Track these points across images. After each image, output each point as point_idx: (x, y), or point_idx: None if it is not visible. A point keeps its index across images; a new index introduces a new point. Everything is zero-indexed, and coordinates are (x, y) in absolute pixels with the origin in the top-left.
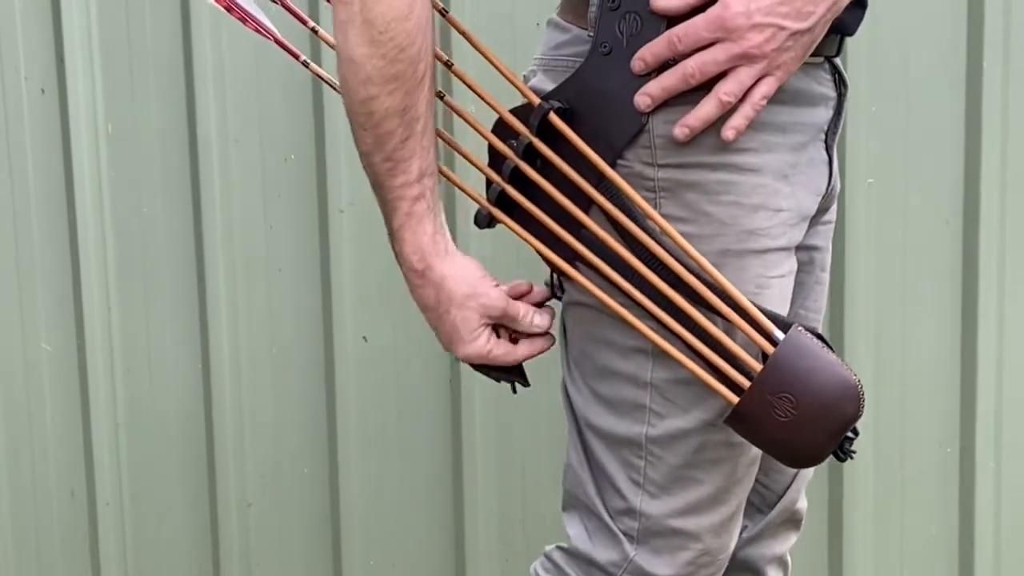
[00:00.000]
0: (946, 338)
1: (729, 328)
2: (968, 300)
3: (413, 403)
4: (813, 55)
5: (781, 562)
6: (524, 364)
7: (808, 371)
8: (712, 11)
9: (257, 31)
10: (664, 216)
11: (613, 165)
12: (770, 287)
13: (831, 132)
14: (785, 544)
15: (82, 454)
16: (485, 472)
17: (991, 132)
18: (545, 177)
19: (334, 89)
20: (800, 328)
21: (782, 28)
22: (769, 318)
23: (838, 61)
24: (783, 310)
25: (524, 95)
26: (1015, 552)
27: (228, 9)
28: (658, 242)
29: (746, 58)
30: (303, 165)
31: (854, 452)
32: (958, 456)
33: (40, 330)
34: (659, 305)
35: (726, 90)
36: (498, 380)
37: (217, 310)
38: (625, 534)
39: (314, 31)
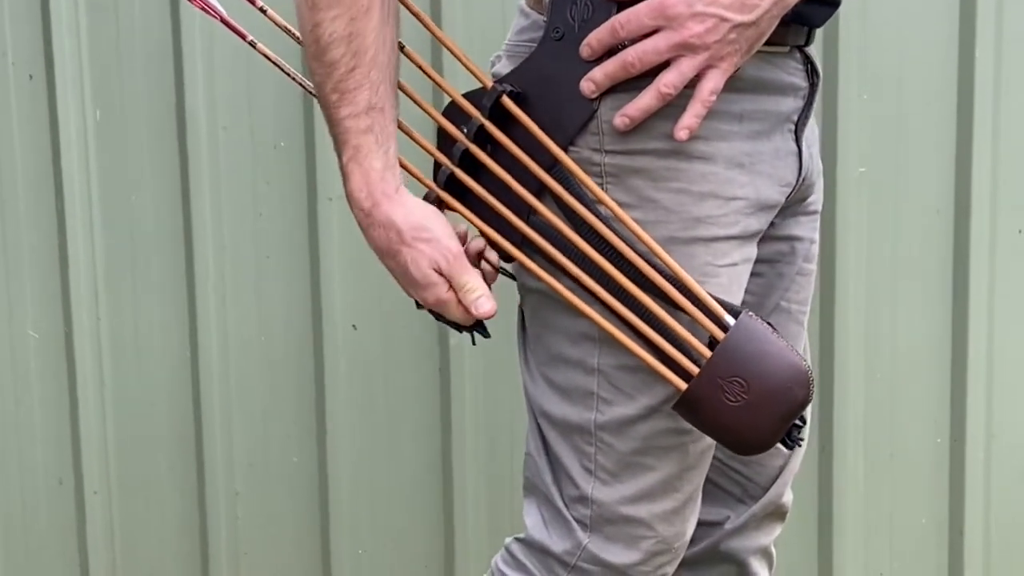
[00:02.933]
0: (936, 328)
1: (677, 314)
2: (958, 289)
3: (402, 391)
4: (778, 44)
5: (765, 553)
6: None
7: (759, 355)
8: (646, 4)
9: (204, 9)
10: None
11: (565, 151)
12: (718, 275)
13: (801, 122)
14: (769, 536)
15: (69, 442)
16: (475, 461)
17: (982, 121)
18: (496, 161)
19: (283, 71)
20: (751, 314)
21: (724, 19)
22: (720, 303)
23: (811, 51)
24: (734, 299)
25: (477, 78)
26: (1004, 542)
27: None
28: (609, 227)
29: (687, 48)
30: (292, 152)
31: (801, 440)
32: (948, 446)
33: (27, 317)
34: (608, 291)
35: (666, 81)
36: (459, 331)
37: (206, 298)
38: (579, 522)
39: (263, 11)
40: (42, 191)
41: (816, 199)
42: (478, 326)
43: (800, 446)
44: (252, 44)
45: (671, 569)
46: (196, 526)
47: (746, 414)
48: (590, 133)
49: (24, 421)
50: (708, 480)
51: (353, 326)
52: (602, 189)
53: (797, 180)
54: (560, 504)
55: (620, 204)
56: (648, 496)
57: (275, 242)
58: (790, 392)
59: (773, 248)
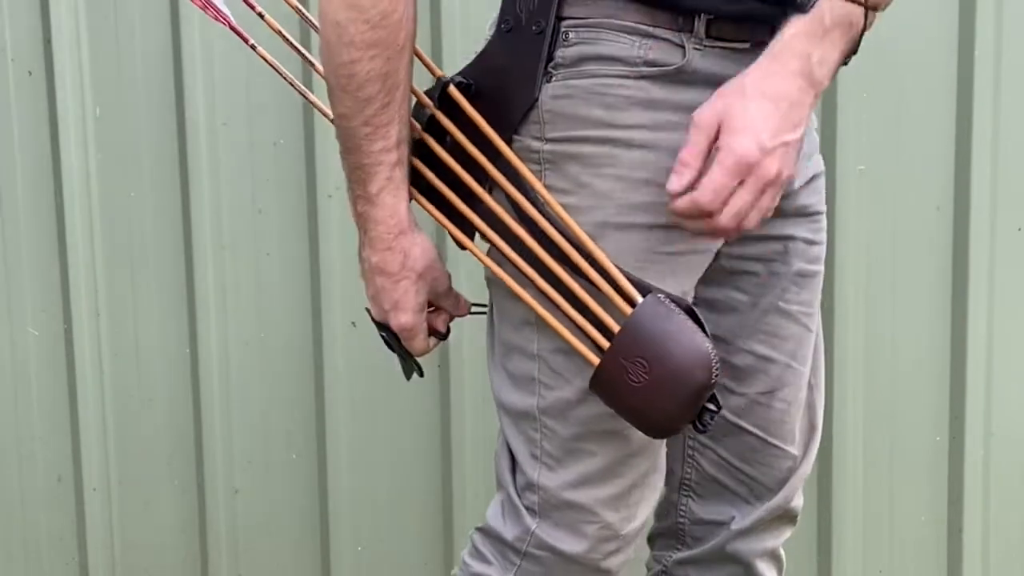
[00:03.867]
0: (936, 325)
1: (600, 295)
2: (958, 287)
3: (402, 388)
4: (740, 40)
5: (773, 556)
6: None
7: (662, 337)
8: (727, 157)
9: (217, 19)
10: (549, 187)
11: (510, 140)
12: (660, 262)
13: None
14: (778, 539)
15: (69, 439)
16: (474, 459)
17: (982, 119)
18: (450, 151)
19: (279, 75)
20: (659, 295)
21: (785, 143)
22: (637, 286)
23: None
24: (683, 287)
25: (428, 68)
26: (1003, 540)
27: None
28: (542, 213)
29: (769, 184)
30: (292, 149)
31: (710, 424)
32: (947, 445)
33: (27, 314)
34: (541, 275)
35: (750, 221)
36: (402, 360)
37: (205, 295)
38: (528, 509)
39: (260, 15)
40: (41, 188)
41: (814, 202)
42: (417, 366)
43: (708, 430)
44: (253, 47)
45: (624, 557)
46: (195, 523)
47: (649, 395)
48: (532, 122)
49: (24, 418)
50: (714, 480)
51: (352, 323)
52: (541, 175)
53: None
54: (513, 492)
55: (557, 189)
56: (589, 481)
57: (274, 239)
58: (691, 374)
59: (766, 247)
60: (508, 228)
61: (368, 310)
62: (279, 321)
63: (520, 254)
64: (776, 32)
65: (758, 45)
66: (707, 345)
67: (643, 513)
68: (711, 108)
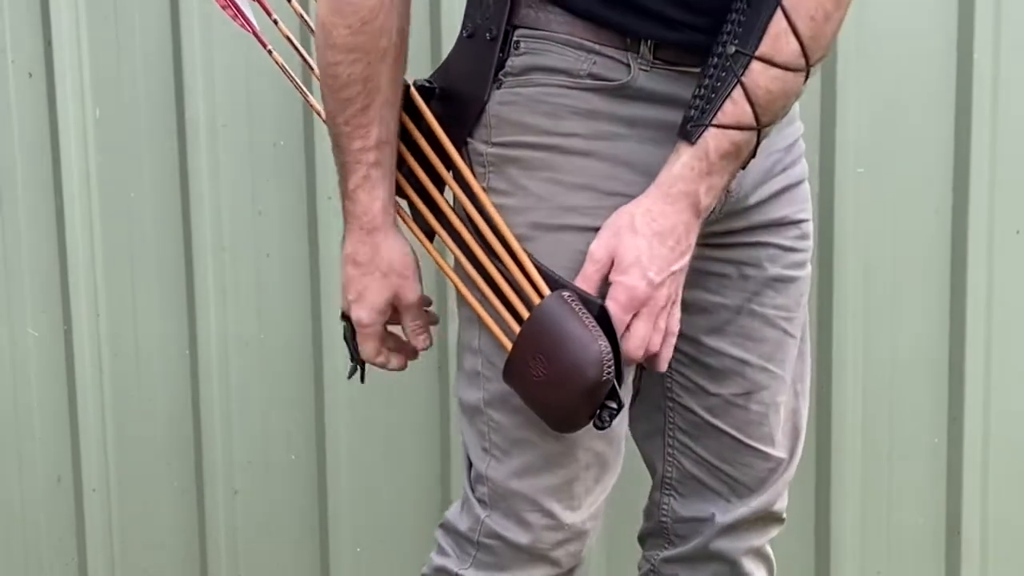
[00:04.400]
0: (934, 328)
1: (521, 290)
2: (956, 289)
3: (402, 390)
4: (689, 64)
5: (759, 554)
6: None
7: (558, 334)
8: (620, 294)
9: (244, 27)
10: (491, 189)
11: (465, 142)
12: None
13: None
14: (762, 537)
15: (68, 440)
16: None
17: (980, 122)
18: (410, 150)
19: (290, 80)
20: (563, 294)
21: (672, 272)
22: (553, 284)
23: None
24: None
25: None
26: (1001, 542)
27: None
28: (480, 212)
29: (662, 312)
30: (292, 151)
31: (607, 422)
32: (945, 447)
33: (27, 315)
34: (477, 270)
35: (652, 345)
36: (351, 359)
37: (205, 296)
38: (480, 500)
39: (276, 22)
40: (41, 189)
41: (791, 212)
42: (359, 369)
43: (607, 427)
44: (270, 52)
45: (574, 549)
46: (195, 524)
47: (548, 390)
48: (482, 125)
49: (23, 419)
50: (694, 478)
51: None
52: (485, 176)
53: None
54: (467, 485)
55: (498, 191)
56: (531, 471)
57: (274, 240)
58: (582, 371)
59: (738, 252)
60: (452, 225)
61: (341, 319)
62: (279, 322)
63: (461, 250)
64: None
65: None
66: (599, 344)
67: (589, 505)
68: (604, 245)
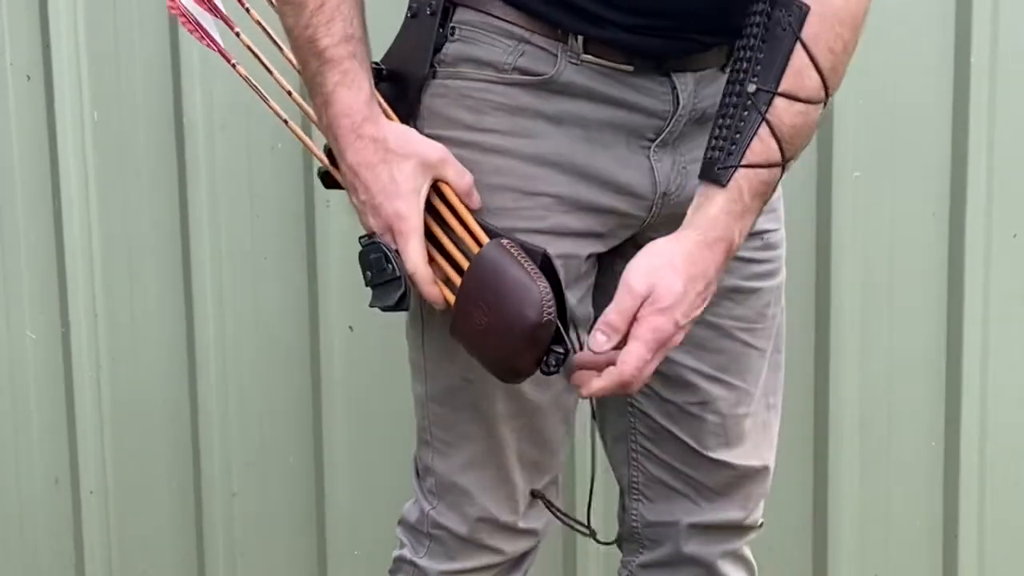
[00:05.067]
0: (931, 331)
1: (462, 243)
2: (954, 292)
3: (399, 393)
4: (624, 62)
5: (736, 557)
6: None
7: (497, 279)
8: (650, 335)
9: (209, 46)
10: None
11: (416, 127)
12: None
13: (667, 142)
14: (739, 540)
15: (66, 442)
16: None
17: (977, 125)
18: None
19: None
20: (502, 241)
21: (693, 320)
22: (493, 233)
23: (681, 78)
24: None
25: None
26: (998, 544)
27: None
28: None
29: (673, 347)
30: (290, 154)
31: (556, 367)
32: (943, 449)
33: (25, 318)
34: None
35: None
36: (368, 283)
37: (203, 299)
38: (428, 492)
39: (237, 35)
40: (40, 192)
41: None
42: (402, 300)
43: (555, 372)
44: (234, 66)
45: (514, 542)
46: (192, 526)
47: (491, 337)
48: (420, 116)
49: (21, 421)
50: (659, 481)
51: (350, 327)
52: None
53: (655, 195)
54: (415, 477)
55: None
56: (472, 466)
57: (272, 243)
58: (521, 313)
59: None
60: None
61: (360, 242)
62: (276, 325)
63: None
64: (680, 61)
65: (649, 72)
66: (538, 285)
67: (520, 506)
68: (644, 278)
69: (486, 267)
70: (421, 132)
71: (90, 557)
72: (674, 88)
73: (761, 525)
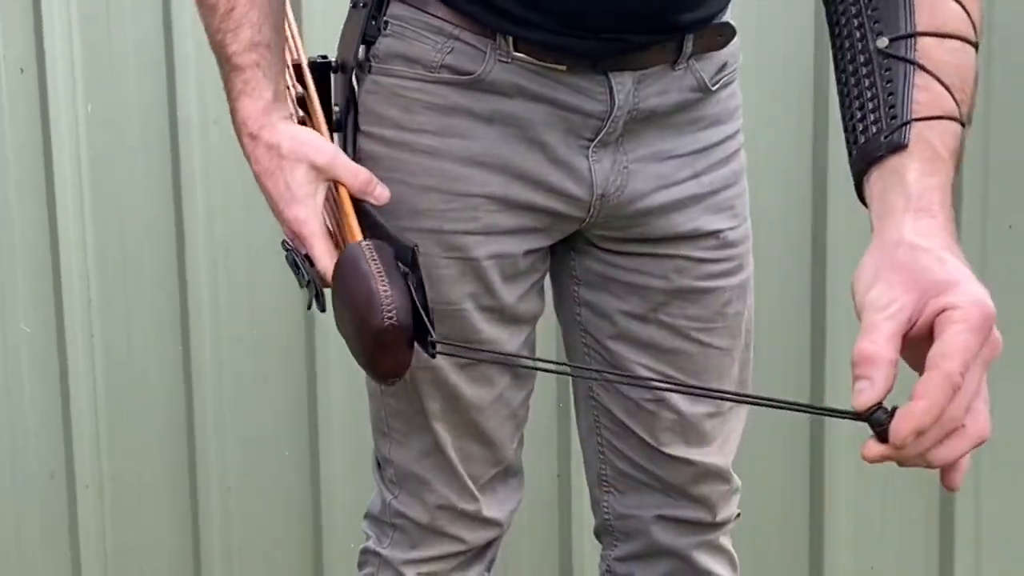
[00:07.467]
0: None
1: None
2: None
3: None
4: (555, 62)
5: (713, 547)
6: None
7: (348, 283)
8: (973, 316)
9: None
10: None
11: (356, 122)
12: (447, 267)
13: (605, 143)
14: (713, 533)
15: (61, 436)
16: None
17: (974, 123)
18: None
19: None
20: (363, 243)
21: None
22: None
23: (618, 78)
24: (491, 293)
25: (291, 46)
26: (994, 538)
27: None
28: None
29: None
30: None
31: (434, 355)
32: None
33: (19, 311)
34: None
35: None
36: (300, 285)
37: (198, 292)
38: (389, 482)
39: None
40: (33, 184)
41: (705, 223)
42: (317, 300)
43: (432, 355)
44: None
45: (469, 536)
46: (188, 521)
47: (354, 342)
48: (359, 112)
49: (16, 415)
50: (626, 475)
51: None
52: (359, 163)
53: (592, 197)
54: (375, 468)
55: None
56: (425, 454)
57: (267, 237)
58: (365, 319)
59: (641, 262)
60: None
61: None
62: (272, 319)
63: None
64: (615, 61)
65: (585, 71)
66: (378, 288)
67: (473, 495)
68: (980, 309)
69: (344, 271)
70: (359, 128)
71: (85, 551)
72: (611, 88)
73: (738, 516)
